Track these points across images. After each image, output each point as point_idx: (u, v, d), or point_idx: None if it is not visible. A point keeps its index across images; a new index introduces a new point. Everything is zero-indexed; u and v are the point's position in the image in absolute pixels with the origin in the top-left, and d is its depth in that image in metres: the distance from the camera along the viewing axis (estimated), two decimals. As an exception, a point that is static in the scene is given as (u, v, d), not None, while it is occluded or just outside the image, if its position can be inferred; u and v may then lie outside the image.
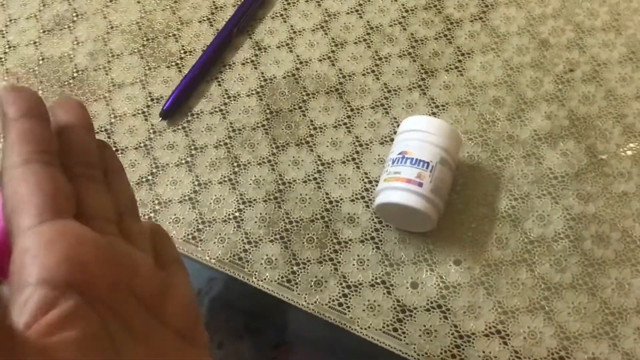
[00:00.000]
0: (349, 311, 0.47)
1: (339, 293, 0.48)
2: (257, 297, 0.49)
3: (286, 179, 0.53)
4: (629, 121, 0.51)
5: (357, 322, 0.47)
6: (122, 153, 0.56)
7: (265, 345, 0.48)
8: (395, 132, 0.53)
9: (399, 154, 0.47)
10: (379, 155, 0.53)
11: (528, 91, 0.54)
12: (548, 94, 0.53)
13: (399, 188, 0.45)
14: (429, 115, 0.54)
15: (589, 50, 0.55)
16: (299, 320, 0.48)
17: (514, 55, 0.55)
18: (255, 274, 0.49)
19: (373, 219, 0.50)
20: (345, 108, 0.55)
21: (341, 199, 0.51)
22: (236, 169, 0.54)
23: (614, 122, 0.52)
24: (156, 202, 0.53)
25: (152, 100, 0.58)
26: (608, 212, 0.48)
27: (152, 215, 0.53)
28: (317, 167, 0.53)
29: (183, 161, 0.55)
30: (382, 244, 0.49)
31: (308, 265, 0.49)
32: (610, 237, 0.47)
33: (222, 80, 0.58)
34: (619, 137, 0.51)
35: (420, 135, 0.47)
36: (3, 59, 0.62)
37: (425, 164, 0.45)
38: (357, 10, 0.60)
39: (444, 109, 0.54)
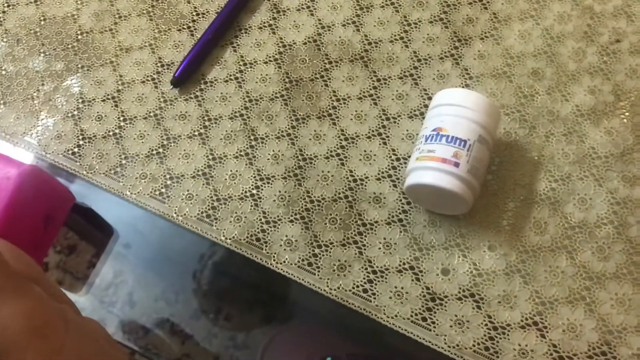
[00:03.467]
0: (375, 298, 0.44)
1: (364, 278, 0.45)
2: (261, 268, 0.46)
3: (307, 155, 0.49)
4: (680, 98, 0.47)
5: (384, 310, 0.44)
6: (130, 123, 0.52)
7: (273, 319, 0.45)
8: (425, 106, 0.50)
9: (433, 130, 0.43)
10: (407, 131, 0.49)
11: (570, 63, 0.49)
12: (592, 66, 0.49)
13: (433, 168, 0.42)
14: (462, 87, 0.50)
15: (638, 19, 0.50)
16: (306, 294, 0.45)
17: (555, 24, 0.51)
18: (274, 256, 0.46)
19: (401, 200, 0.47)
20: (371, 78, 0.51)
21: (366, 177, 0.48)
22: (253, 143, 0.50)
23: (664, 98, 0.48)
24: (167, 176, 0.50)
25: (162, 66, 0.54)
26: (656, 197, 0.45)
27: (163, 190, 0.49)
28: (340, 142, 0.49)
29: (196, 133, 0.51)
30: (410, 227, 0.46)
31: (331, 248, 0.46)
32: (658, 224, 0.44)
33: (238, 45, 0.54)
34: (669, 114, 0.47)
35: (456, 110, 0.43)
36: (1, 19, 0.57)
37: (463, 142, 0.42)
38: (384, -29, 0.55)
39: (478, 81, 0.50)
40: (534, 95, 0.49)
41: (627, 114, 0.47)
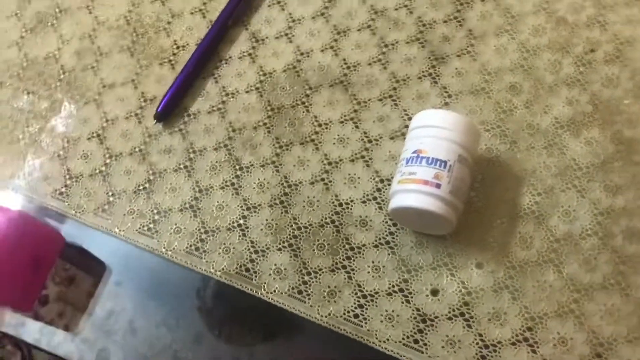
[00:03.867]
0: (366, 323, 0.44)
1: (354, 303, 0.45)
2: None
3: (292, 181, 0.50)
4: (657, 104, 0.48)
5: (375, 334, 0.44)
6: (116, 159, 0.52)
7: (275, 340, 0.45)
8: (406, 126, 0.50)
9: (414, 152, 0.43)
10: (389, 152, 0.49)
11: (547, 75, 0.50)
12: (568, 77, 0.50)
13: (415, 190, 0.42)
14: (442, 106, 0.50)
15: (611, 27, 0.51)
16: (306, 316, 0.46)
17: (530, 37, 0.52)
18: (263, 286, 0.46)
19: (387, 222, 0.47)
20: (352, 101, 0.52)
21: (352, 201, 0.48)
22: (238, 172, 0.50)
23: (642, 105, 0.48)
24: (155, 211, 0.50)
25: (145, 101, 0.54)
26: (639, 204, 0.45)
27: (151, 226, 0.49)
28: (324, 167, 0.50)
29: (182, 166, 0.51)
30: (397, 249, 0.46)
31: (320, 275, 0.46)
32: (642, 232, 0.44)
33: (219, 76, 0.55)
34: (647, 122, 0.47)
35: (435, 131, 0.43)
36: (-16, 63, 0.58)
37: (443, 163, 0.42)
38: (359, -6, 0.56)
39: (457, 99, 0.50)
40: (512, 109, 0.49)
41: (605, 123, 0.48)
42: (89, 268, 0.51)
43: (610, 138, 0.47)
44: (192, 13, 0.57)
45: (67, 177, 0.52)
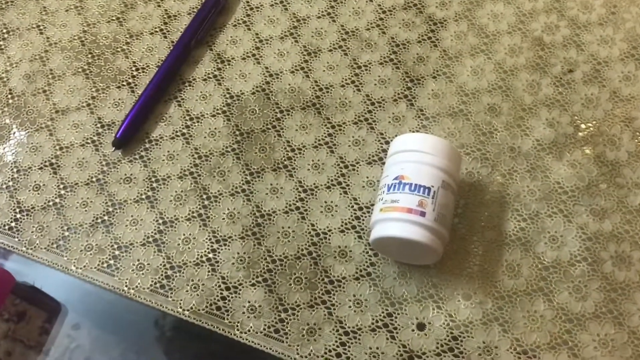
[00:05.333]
0: (349, 362, 0.41)
1: (336, 341, 0.42)
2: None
3: (264, 211, 0.46)
4: (638, 125, 0.47)
5: (360, 374, 0.41)
6: (71, 190, 0.48)
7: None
8: (383, 150, 0.48)
9: (395, 178, 0.41)
10: (367, 178, 0.47)
11: (525, 96, 0.49)
12: (548, 98, 0.48)
13: (398, 219, 0.40)
14: (419, 129, 0.48)
15: (587, 47, 0.50)
16: None
17: (507, 57, 0.50)
18: (237, 326, 0.43)
19: (368, 252, 0.44)
20: (325, 125, 0.49)
21: (329, 231, 0.45)
22: (206, 202, 0.47)
23: (623, 126, 0.47)
24: (115, 246, 0.46)
25: (102, 127, 0.51)
26: (627, 229, 0.44)
27: (111, 262, 0.45)
28: (299, 195, 0.47)
29: (143, 196, 0.48)
30: (380, 280, 0.43)
31: (298, 311, 0.43)
32: (632, 257, 0.43)
33: (182, 99, 0.51)
34: (629, 143, 0.46)
35: (416, 156, 0.41)
36: None
37: (427, 190, 0.40)
38: (329, 14, 0.53)
39: (435, 121, 0.48)
40: (492, 132, 0.48)
41: (588, 145, 0.46)
42: (42, 307, 0.47)
43: (594, 160, 0.46)
44: (152, 33, 0.54)
45: (17, 210, 0.48)
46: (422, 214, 0.39)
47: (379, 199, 0.42)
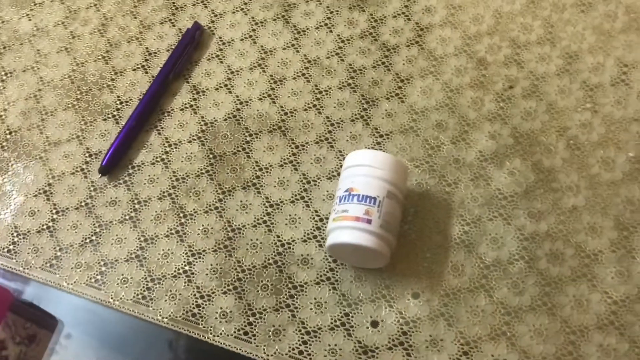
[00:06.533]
0: (310, 359, 0.46)
1: (299, 340, 0.46)
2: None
3: (235, 225, 0.51)
4: (572, 133, 0.51)
5: (319, 369, 0.45)
6: (63, 214, 0.53)
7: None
8: (341, 166, 0.52)
9: (346, 191, 0.46)
10: (327, 191, 0.52)
11: (470, 112, 0.53)
12: (490, 113, 0.53)
13: (348, 227, 0.44)
14: (374, 145, 0.53)
15: (527, 65, 0.55)
16: None
17: (453, 77, 0.55)
18: (210, 330, 0.48)
19: (327, 259, 0.49)
20: (290, 145, 0.54)
21: (293, 241, 0.50)
22: (182, 220, 0.52)
23: (558, 135, 0.51)
24: (102, 263, 0.51)
25: (90, 156, 0.56)
26: (560, 228, 0.48)
27: (99, 277, 0.50)
28: (266, 210, 0.52)
29: (127, 217, 0.53)
30: (338, 284, 0.48)
31: (264, 315, 0.48)
32: (564, 254, 0.47)
33: (162, 128, 0.57)
34: (563, 150, 0.51)
35: (365, 170, 0.46)
36: None
37: (372, 200, 0.44)
38: (293, 45, 0.59)
39: (388, 138, 0.53)
40: (440, 145, 0.52)
41: (526, 154, 0.51)
42: (44, 321, 0.51)
43: (532, 167, 0.50)
44: (134, 69, 0.60)
45: (15, 234, 0.53)
46: (369, 221, 0.44)
47: (333, 210, 0.46)
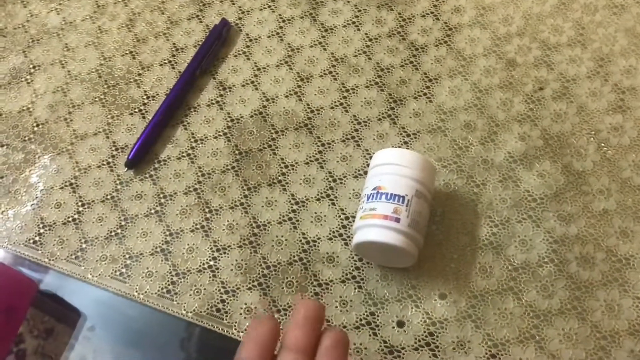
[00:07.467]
0: (335, 357, 0.45)
1: (323, 338, 0.46)
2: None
3: (260, 222, 0.51)
4: (603, 136, 0.51)
5: (344, 367, 0.45)
6: (88, 207, 0.54)
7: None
8: (368, 164, 0.52)
9: (373, 189, 0.45)
10: (353, 190, 0.51)
11: (499, 113, 0.53)
12: (519, 114, 0.53)
13: (375, 225, 0.44)
14: (401, 145, 0.53)
15: (557, 67, 0.54)
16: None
17: (482, 77, 0.55)
18: (235, 325, 0.47)
19: (353, 257, 0.49)
20: (316, 143, 0.54)
21: (318, 238, 0.50)
22: (208, 215, 0.52)
23: (588, 138, 0.51)
24: (127, 256, 0.51)
25: (116, 149, 0.56)
26: (591, 232, 0.47)
27: (123, 270, 0.50)
28: (292, 207, 0.51)
29: (152, 211, 0.53)
30: (364, 283, 0.48)
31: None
32: (595, 258, 0.46)
33: (188, 123, 0.57)
34: (594, 153, 0.50)
35: (393, 168, 0.46)
36: (-41, 118, 0.60)
37: (401, 198, 0.44)
38: (320, 43, 0.59)
39: (415, 138, 0.53)
40: (468, 146, 0.52)
41: (556, 156, 0.50)
42: (66, 316, 0.51)
43: (562, 170, 0.50)
44: (161, 65, 0.60)
45: (41, 225, 0.53)
46: (397, 220, 0.44)
47: (360, 208, 0.46)
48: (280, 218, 0.51)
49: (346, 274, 0.48)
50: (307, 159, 0.53)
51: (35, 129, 0.58)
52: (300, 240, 0.50)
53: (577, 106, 0.52)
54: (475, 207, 0.49)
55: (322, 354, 0.35)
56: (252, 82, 0.58)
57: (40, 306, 0.51)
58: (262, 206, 0.52)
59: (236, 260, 0.50)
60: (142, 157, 0.55)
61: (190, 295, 0.49)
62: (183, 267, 0.50)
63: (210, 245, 0.51)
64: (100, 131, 0.57)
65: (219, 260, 0.50)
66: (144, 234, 0.52)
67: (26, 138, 0.58)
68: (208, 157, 0.55)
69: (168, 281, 0.50)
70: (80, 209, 0.54)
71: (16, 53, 0.63)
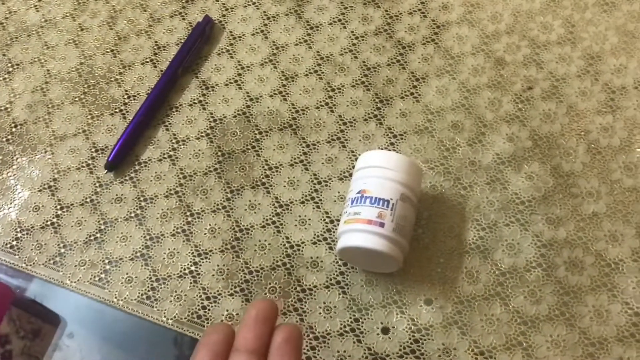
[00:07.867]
0: (318, 365, 0.44)
1: (307, 346, 0.45)
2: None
3: (243, 225, 0.50)
4: (592, 137, 0.50)
5: (328, 376, 0.44)
6: (67, 210, 0.52)
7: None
8: (354, 166, 0.51)
9: (358, 192, 0.44)
10: (339, 193, 0.50)
11: (487, 113, 0.52)
12: (508, 114, 0.51)
13: (359, 230, 0.43)
14: (387, 146, 0.51)
15: (547, 65, 0.53)
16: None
17: (470, 77, 0.53)
18: (216, 332, 0.46)
19: (337, 262, 0.48)
20: (301, 144, 0.53)
21: (302, 243, 0.49)
22: (189, 219, 0.51)
23: (578, 139, 0.50)
24: (106, 261, 0.50)
25: (96, 151, 0.55)
26: (580, 236, 0.46)
27: (103, 276, 0.49)
28: (275, 210, 0.50)
29: (132, 214, 0.51)
30: (348, 288, 0.47)
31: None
32: (584, 262, 0.45)
33: (170, 124, 0.55)
34: (584, 154, 0.49)
35: (378, 171, 0.44)
36: None
37: (386, 202, 0.43)
38: (305, 41, 0.57)
39: (402, 138, 0.52)
40: (455, 147, 0.51)
41: (545, 157, 0.49)
42: (45, 318, 0.50)
43: (551, 172, 0.49)
44: (142, 63, 0.58)
45: (18, 230, 0.52)
46: (381, 224, 0.42)
47: (344, 212, 0.45)
48: (263, 222, 0.50)
49: (330, 279, 0.47)
50: (291, 160, 0.52)
51: (14, 129, 0.57)
52: (284, 245, 0.49)
53: (567, 106, 0.51)
54: (463, 210, 0.48)
55: (274, 351, 0.35)
56: (236, 81, 0.57)
57: (26, 307, 0.50)
58: (245, 209, 0.51)
59: (218, 266, 0.49)
60: (123, 158, 0.54)
61: (170, 301, 0.48)
62: (163, 273, 0.49)
63: (191, 250, 0.49)
64: (80, 132, 0.56)
65: (200, 265, 0.49)
66: (123, 238, 0.51)
67: (4, 139, 0.56)
68: (190, 158, 0.53)
69: (148, 287, 0.48)
70: (59, 212, 0.52)
71: (-6, 51, 0.61)
